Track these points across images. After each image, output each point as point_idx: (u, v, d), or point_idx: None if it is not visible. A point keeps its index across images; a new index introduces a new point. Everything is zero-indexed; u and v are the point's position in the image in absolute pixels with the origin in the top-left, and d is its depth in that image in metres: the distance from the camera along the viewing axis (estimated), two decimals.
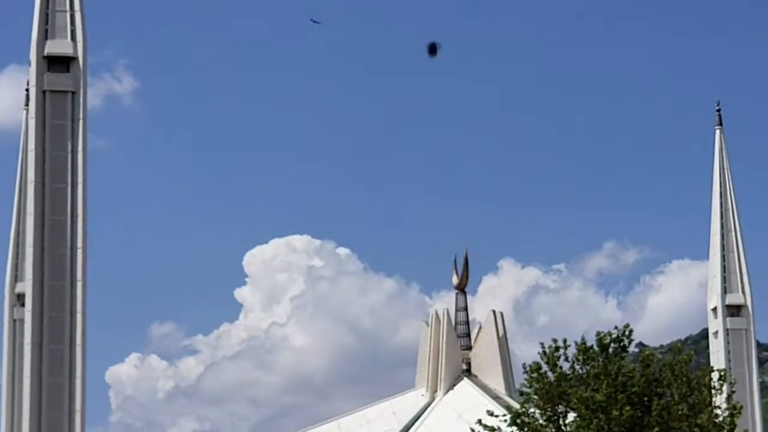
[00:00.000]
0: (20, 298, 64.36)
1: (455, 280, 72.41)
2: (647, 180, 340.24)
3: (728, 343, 76.16)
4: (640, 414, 38.93)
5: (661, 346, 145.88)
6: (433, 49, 55.43)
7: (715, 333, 77.16)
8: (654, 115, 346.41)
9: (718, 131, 78.17)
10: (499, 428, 40.87)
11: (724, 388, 42.29)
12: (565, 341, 41.58)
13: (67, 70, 52.20)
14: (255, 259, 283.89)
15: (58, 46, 52.12)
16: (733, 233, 77.58)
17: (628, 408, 38.71)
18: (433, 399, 68.67)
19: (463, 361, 69.77)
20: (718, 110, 78.75)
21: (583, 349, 41.13)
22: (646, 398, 39.31)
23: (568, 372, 41.02)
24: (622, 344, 41.15)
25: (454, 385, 68.59)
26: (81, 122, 51.83)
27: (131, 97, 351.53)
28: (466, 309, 72.23)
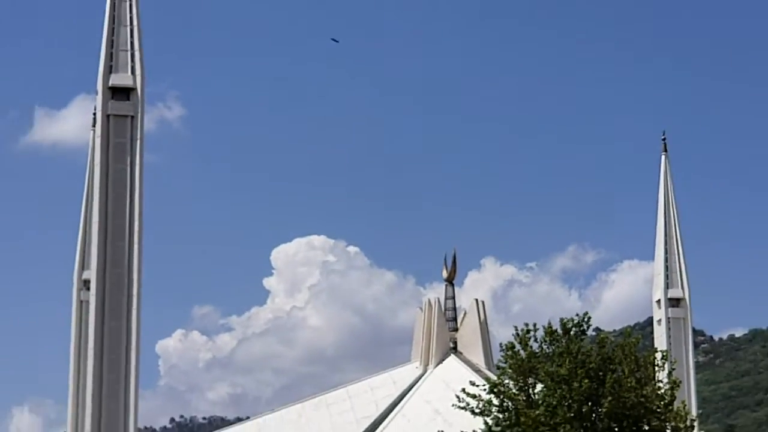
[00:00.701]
0: (86, 284, 64.27)
1: (445, 273, 72.40)
2: (604, 194, 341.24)
3: (669, 329, 76.10)
4: (596, 386, 38.86)
5: (614, 331, 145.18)
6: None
7: (659, 321, 77.10)
8: (612, 142, 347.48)
9: (663, 156, 78.25)
10: (479, 396, 40.81)
11: (666, 366, 42.24)
12: (534, 325, 41.50)
13: (128, 99, 52.22)
14: (280, 254, 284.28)
15: (120, 79, 52.14)
16: (675, 239, 77.64)
17: (586, 381, 38.64)
18: (425, 371, 68.60)
19: (450, 341, 69.73)
20: (664, 139, 78.98)
21: (550, 332, 41.05)
22: (601, 373, 39.21)
23: (537, 351, 40.93)
24: (581, 328, 41.05)
25: (443, 360, 68.52)
26: (138, 141, 51.86)
27: (179, 122, 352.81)
28: (453, 298, 72.21)
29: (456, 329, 70.54)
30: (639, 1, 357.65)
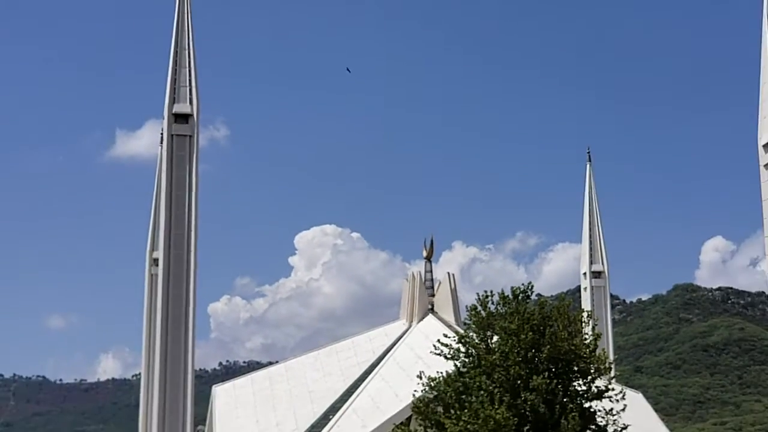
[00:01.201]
0: (155, 261, 64.24)
1: (425, 253, 72.27)
2: (544, 193, 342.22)
3: (593, 295, 76.18)
4: (537, 337, 38.98)
5: (551, 296, 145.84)
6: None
7: (585, 288, 77.20)
8: (551, 152, 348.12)
9: (588, 165, 78.38)
10: (450, 345, 40.91)
11: (590, 322, 42.33)
12: (492, 292, 41.58)
13: (187, 123, 52.10)
14: (302, 238, 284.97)
15: (181, 108, 52.05)
16: (597, 227, 77.79)
17: (530, 333, 38.76)
18: (410, 326, 68.55)
19: (429, 304, 69.65)
20: (588, 152, 79.07)
21: (503, 297, 41.10)
22: (541, 327, 39.33)
23: (494, 311, 41.02)
24: (527, 294, 41.14)
25: (423, 318, 68.47)
26: (195, 154, 51.82)
27: (225, 140, 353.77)
28: (431, 271, 72.06)
29: (433, 295, 70.48)
30: (579, 33, 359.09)
